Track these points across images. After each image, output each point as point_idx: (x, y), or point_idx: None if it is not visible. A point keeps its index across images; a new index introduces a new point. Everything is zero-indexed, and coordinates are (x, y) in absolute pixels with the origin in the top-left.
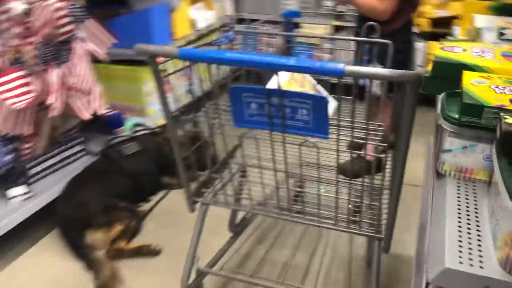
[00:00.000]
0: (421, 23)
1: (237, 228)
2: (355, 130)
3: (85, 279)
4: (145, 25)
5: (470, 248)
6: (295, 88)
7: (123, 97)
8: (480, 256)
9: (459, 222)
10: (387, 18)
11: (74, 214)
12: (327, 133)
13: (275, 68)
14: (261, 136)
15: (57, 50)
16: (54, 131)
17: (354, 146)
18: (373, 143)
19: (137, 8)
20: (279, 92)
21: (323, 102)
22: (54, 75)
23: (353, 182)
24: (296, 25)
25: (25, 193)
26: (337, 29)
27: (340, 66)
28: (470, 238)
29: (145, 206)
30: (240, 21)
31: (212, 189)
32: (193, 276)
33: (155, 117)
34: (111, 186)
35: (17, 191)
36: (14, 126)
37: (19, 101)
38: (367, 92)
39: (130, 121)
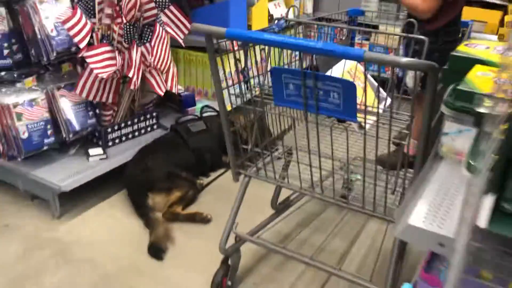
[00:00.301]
0: None
1: (279, 206)
2: (397, 124)
3: (142, 234)
4: (223, 15)
5: (436, 213)
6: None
7: (198, 80)
8: (443, 219)
9: (437, 192)
10: (428, 16)
11: (140, 177)
12: (355, 116)
13: (303, 50)
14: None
15: (140, 31)
16: (133, 103)
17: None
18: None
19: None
20: (313, 75)
21: (352, 87)
22: (136, 52)
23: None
24: (361, 24)
25: (101, 154)
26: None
27: (361, 51)
28: (440, 206)
29: (204, 180)
30: (319, 19)
31: (256, 164)
32: (231, 242)
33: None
34: (176, 158)
35: (96, 151)
36: (99, 94)
37: (103, 72)
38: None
39: (201, 103)
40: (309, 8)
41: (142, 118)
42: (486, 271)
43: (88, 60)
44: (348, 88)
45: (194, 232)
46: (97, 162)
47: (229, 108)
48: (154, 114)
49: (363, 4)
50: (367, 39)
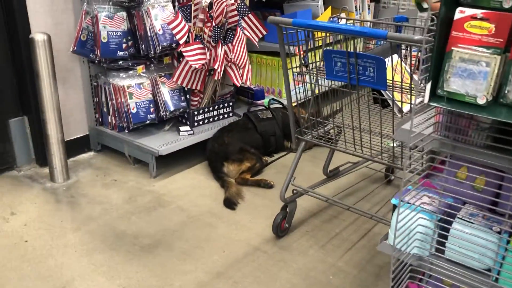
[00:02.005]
0: None
1: (329, 173)
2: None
3: (218, 192)
4: None
5: (421, 124)
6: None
7: (267, 80)
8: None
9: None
10: None
11: (218, 150)
12: (386, 86)
13: (341, 32)
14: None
15: (224, 34)
16: (214, 93)
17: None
18: None
19: (288, 12)
20: (355, 54)
21: (383, 62)
22: (220, 50)
23: None
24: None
25: (189, 131)
26: None
27: (385, 32)
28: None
29: (268, 159)
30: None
31: (311, 132)
32: (289, 194)
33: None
34: (247, 137)
35: (185, 128)
36: (190, 82)
37: (196, 63)
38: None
39: (268, 97)
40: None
41: (221, 106)
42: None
43: (184, 54)
44: (379, 63)
45: (260, 193)
46: (185, 136)
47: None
48: (230, 103)
49: (419, 14)
50: None
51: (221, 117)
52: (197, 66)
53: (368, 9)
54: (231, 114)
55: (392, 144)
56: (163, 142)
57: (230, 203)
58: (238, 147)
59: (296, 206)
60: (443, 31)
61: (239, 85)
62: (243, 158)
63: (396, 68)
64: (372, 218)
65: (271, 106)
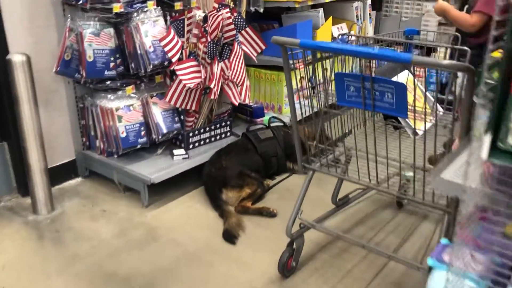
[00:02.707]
0: None
1: (339, 202)
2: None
3: (217, 222)
4: (291, 37)
5: (460, 171)
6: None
7: (266, 95)
8: (466, 176)
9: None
10: (474, 31)
11: (216, 175)
12: (406, 113)
13: (358, 55)
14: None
15: (221, 49)
16: (210, 113)
17: (448, 144)
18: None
19: (286, 23)
20: (371, 78)
21: (403, 88)
22: (216, 67)
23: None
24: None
25: (184, 154)
26: None
27: (408, 55)
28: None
29: (270, 182)
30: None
31: (320, 159)
32: (296, 228)
33: (288, 115)
34: (246, 160)
35: (179, 151)
36: (184, 102)
37: (190, 82)
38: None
39: (268, 115)
40: (370, 32)
41: (218, 126)
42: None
43: (177, 72)
44: (400, 89)
45: (262, 223)
46: (180, 160)
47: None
48: (228, 122)
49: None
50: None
51: (218, 137)
52: (191, 85)
53: (370, 18)
54: (229, 134)
55: (409, 174)
56: (156, 168)
57: (230, 236)
58: (237, 171)
59: (304, 241)
60: (509, 65)
61: (237, 104)
62: (243, 184)
63: (407, 85)
64: (389, 258)
65: (272, 125)
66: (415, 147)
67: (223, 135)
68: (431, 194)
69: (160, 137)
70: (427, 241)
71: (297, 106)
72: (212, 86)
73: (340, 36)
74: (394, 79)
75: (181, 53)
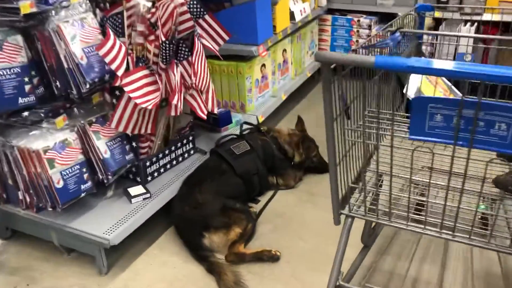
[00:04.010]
0: None
1: (369, 239)
2: None
3: (206, 282)
4: (250, 18)
5: None
6: (430, 89)
7: (224, 92)
8: None
9: None
10: None
11: (191, 215)
12: None
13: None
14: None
15: (177, 48)
16: (167, 130)
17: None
18: None
19: (239, 2)
20: (478, 104)
21: None
22: (175, 73)
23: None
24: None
25: (144, 193)
26: None
27: None
28: None
29: (255, 207)
30: (331, 11)
31: (356, 200)
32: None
33: (254, 113)
34: (225, 187)
35: (137, 190)
36: (138, 125)
37: (146, 102)
38: None
39: (235, 118)
40: (324, 1)
41: (178, 145)
42: None
43: (126, 88)
44: None
45: (265, 273)
46: (141, 202)
47: (260, 119)
48: (190, 138)
49: None
50: None
51: (180, 159)
52: (149, 106)
53: None
54: (192, 152)
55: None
56: (111, 221)
57: None
58: (219, 206)
59: None
60: None
61: (204, 117)
62: (230, 222)
63: (435, 81)
64: None
65: (245, 133)
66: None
67: (186, 155)
68: None
69: (110, 177)
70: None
71: (261, 100)
72: (174, 101)
73: (389, 34)
74: (414, 77)
75: (127, 62)
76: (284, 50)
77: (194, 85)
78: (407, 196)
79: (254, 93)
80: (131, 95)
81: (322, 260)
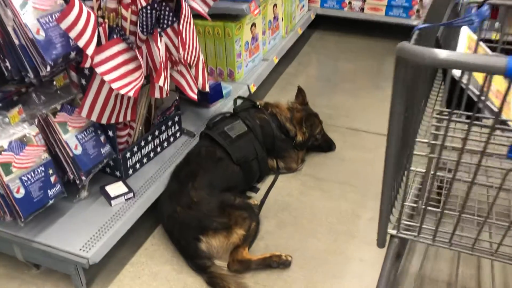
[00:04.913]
0: None
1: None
2: None
3: None
4: None
5: None
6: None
7: (210, 58)
8: None
9: None
10: None
11: (185, 217)
12: None
13: None
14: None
15: (159, 12)
16: (149, 111)
17: None
18: None
19: None
20: None
21: None
22: (159, 46)
23: None
24: None
25: (127, 192)
26: None
27: None
28: None
29: (255, 198)
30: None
31: (421, 219)
32: None
33: (245, 81)
34: (222, 178)
35: (117, 190)
36: (115, 113)
37: (124, 85)
38: None
39: (226, 90)
40: None
41: (163, 128)
42: None
43: (99, 69)
44: None
45: (278, 284)
46: (122, 205)
47: (252, 88)
48: (176, 118)
49: None
50: None
51: (165, 144)
52: (131, 92)
53: None
54: (178, 134)
55: None
56: (90, 233)
57: None
58: (216, 203)
59: None
60: None
61: (195, 97)
62: (230, 222)
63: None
64: None
65: (239, 110)
66: None
67: (171, 139)
68: None
69: (83, 178)
70: None
71: (252, 65)
72: (160, 82)
73: (473, 8)
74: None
75: (98, 34)
76: (275, 5)
77: (182, 60)
78: (482, 219)
79: (244, 58)
80: (106, 77)
81: (340, 263)
